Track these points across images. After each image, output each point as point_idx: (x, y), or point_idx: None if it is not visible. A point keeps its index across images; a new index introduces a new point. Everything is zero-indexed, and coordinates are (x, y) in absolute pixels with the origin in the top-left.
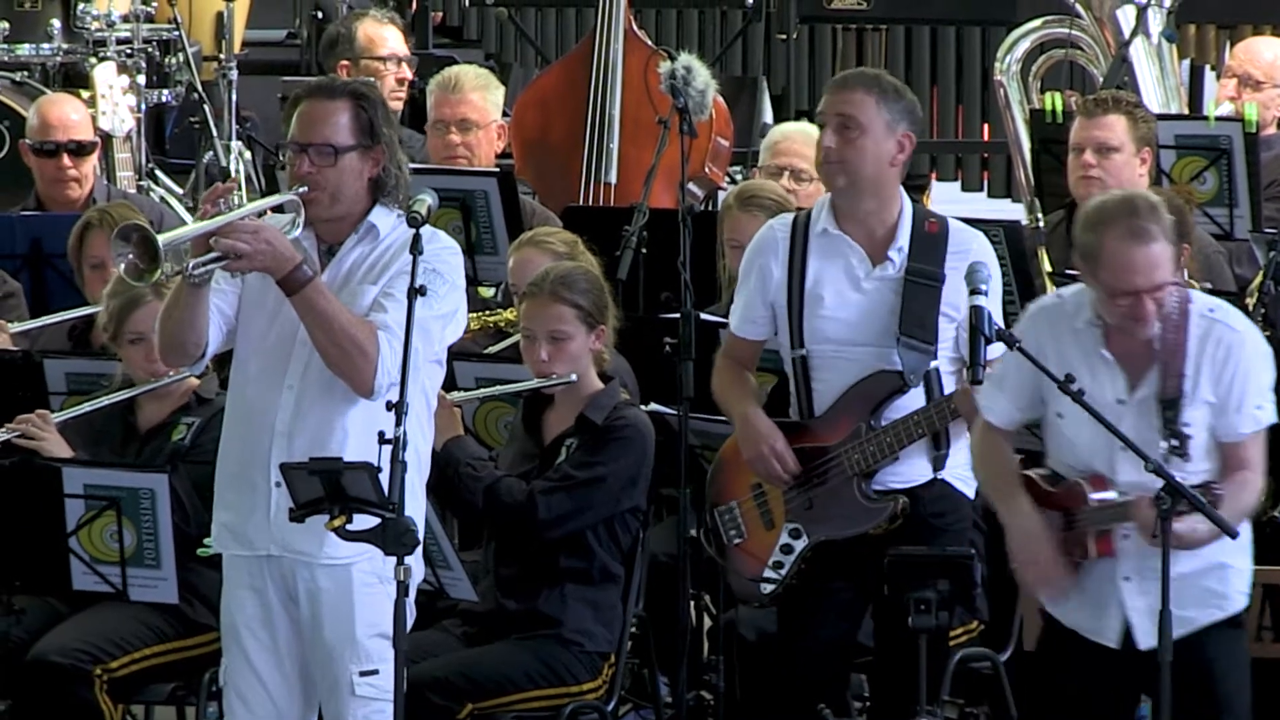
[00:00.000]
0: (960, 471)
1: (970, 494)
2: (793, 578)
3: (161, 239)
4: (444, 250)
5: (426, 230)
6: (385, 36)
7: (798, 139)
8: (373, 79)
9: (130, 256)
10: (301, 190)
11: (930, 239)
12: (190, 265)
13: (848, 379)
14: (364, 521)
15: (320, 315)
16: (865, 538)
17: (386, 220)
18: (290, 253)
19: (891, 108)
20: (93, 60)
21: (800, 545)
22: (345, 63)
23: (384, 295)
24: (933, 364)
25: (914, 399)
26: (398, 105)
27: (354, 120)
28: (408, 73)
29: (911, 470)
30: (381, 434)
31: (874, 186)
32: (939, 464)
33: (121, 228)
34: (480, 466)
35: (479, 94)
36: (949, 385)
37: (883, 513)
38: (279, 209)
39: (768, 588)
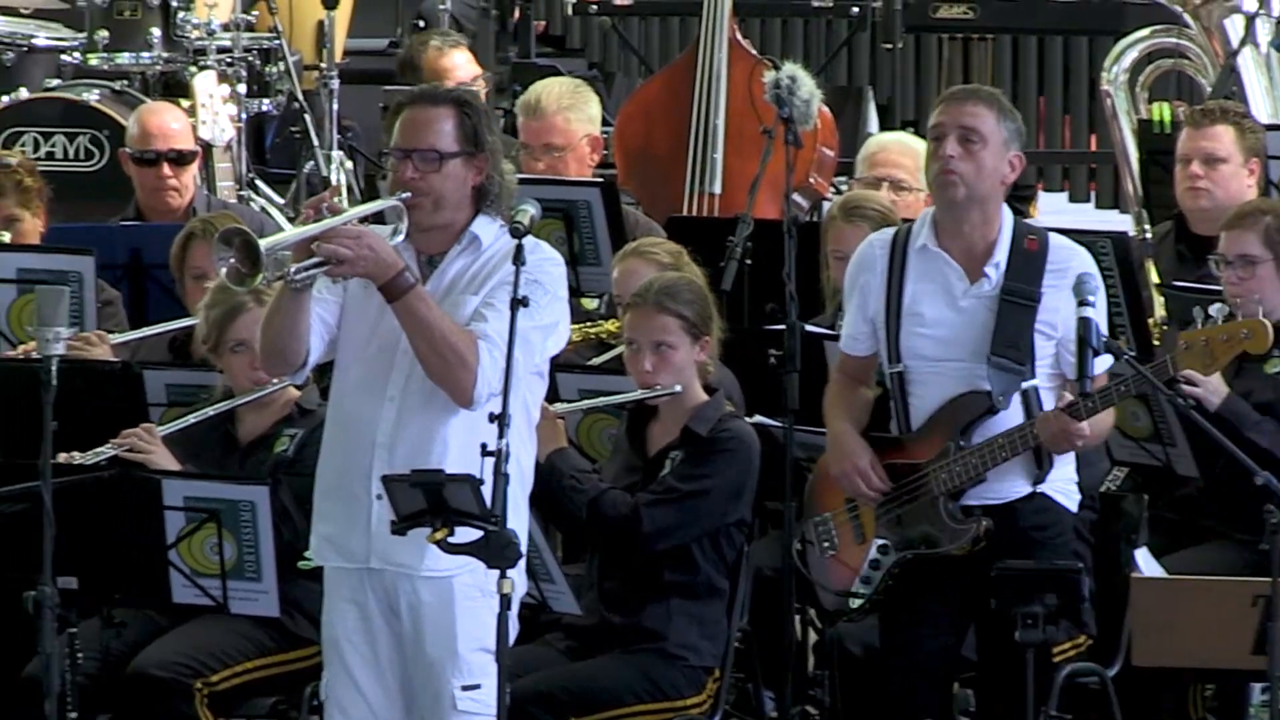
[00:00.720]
0: (1061, 485)
1: (1073, 507)
2: (881, 592)
3: (263, 243)
4: (546, 261)
5: (529, 241)
6: (450, 65)
7: (895, 149)
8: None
9: (232, 261)
10: (405, 196)
11: (1029, 256)
12: (292, 270)
13: (942, 395)
14: (466, 534)
15: (422, 323)
16: (954, 554)
17: (489, 230)
18: (393, 259)
19: (1007, 126)
20: (193, 69)
21: (888, 561)
22: None
23: (485, 305)
24: (1030, 382)
25: (1007, 418)
26: None
27: (458, 127)
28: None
29: (1007, 486)
30: (484, 446)
31: (983, 202)
32: (1039, 479)
33: (223, 231)
34: (584, 479)
35: (562, 116)
36: (1048, 402)
37: (965, 534)
38: (380, 217)
39: (856, 601)
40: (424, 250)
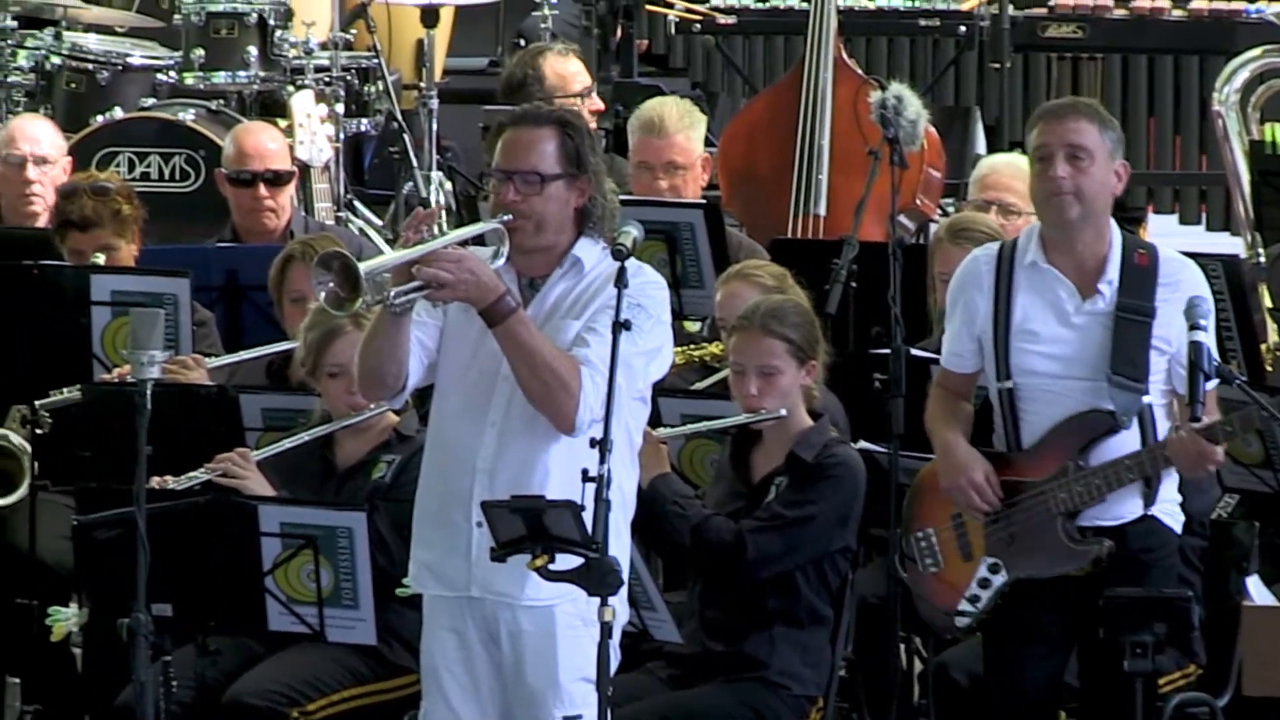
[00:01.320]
0: (1168, 506)
1: (1178, 529)
2: (988, 612)
3: (363, 267)
4: (649, 285)
5: (631, 264)
6: (574, 70)
7: (1005, 172)
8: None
9: (331, 285)
10: (506, 219)
11: (1140, 271)
12: (391, 294)
13: (1057, 413)
14: (567, 561)
15: (523, 348)
16: (1071, 574)
17: (592, 253)
18: (494, 283)
19: (1110, 137)
20: (290, 89)
21: (999, 580)
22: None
23: (587, 330)
24: (1144, 400)
25: (1125, 438)
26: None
27: (560, 148)
28: (598, 102)
29: (1122, 507)
30: (585, 471)
31: (1095, 217)
32: (1149, 500)
33: (322, 255)
34: (688, 505)
35: (684, 135)
36: (1160, 419)
37: (1086, 556)
38: (481, 239)
39: (963, 621)
40: (525, 273)
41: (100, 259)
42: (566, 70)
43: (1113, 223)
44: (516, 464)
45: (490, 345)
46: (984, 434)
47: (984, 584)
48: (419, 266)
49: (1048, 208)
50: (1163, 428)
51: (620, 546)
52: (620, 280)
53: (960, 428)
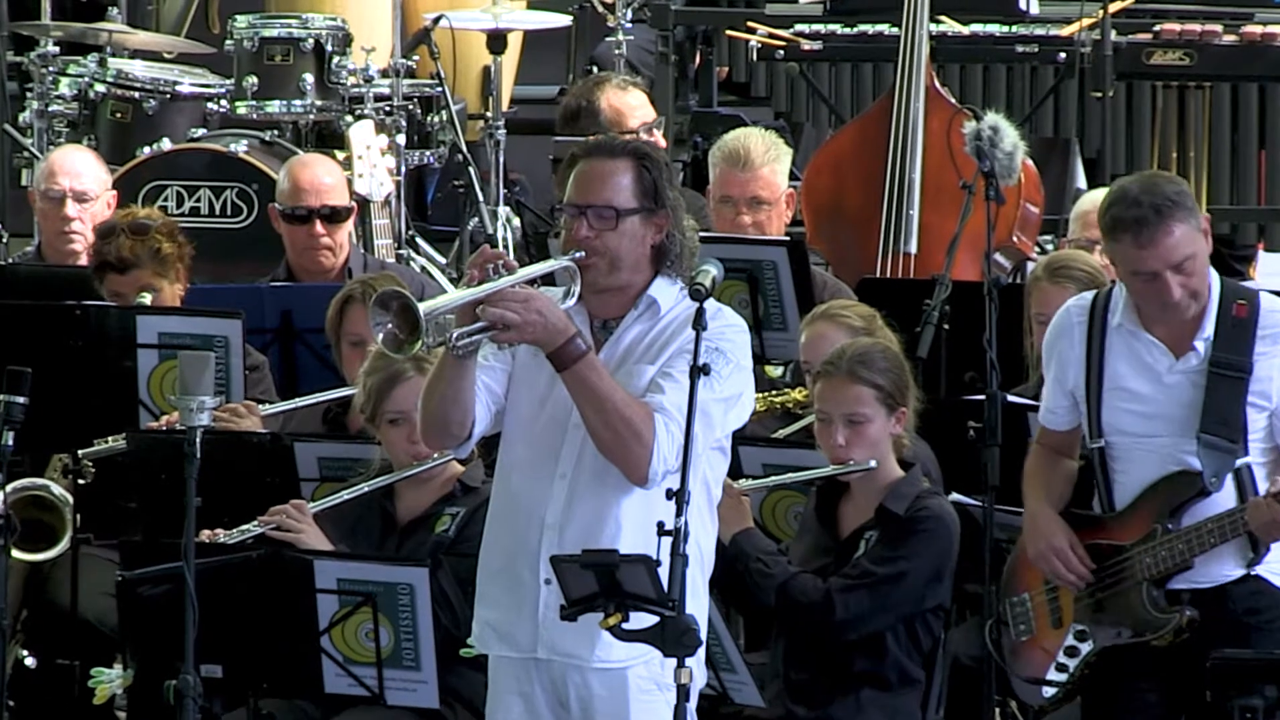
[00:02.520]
0: (1277, 565)
1: None
2: (1075, 681)
3: (423, 307)
4: (729, 328)
5: (710, 304)
6: (632, 104)
7: None
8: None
9: (389, 325)
10: (578, 256)
11: (1238, 323)
12: (454, 336)
13: (1147, 472)
14: (641, 620)
15: (593, 394)
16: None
17: (669, 293)
18: (563, 324)
19: (1192, 220)
20: (348, 118)
21: (1085, 649)
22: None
23: (662, 375)
24: (1243, 459)
25: (1220, 499)
26: None
27: (637, 181)
28: (660, 138)
29: (1220, 569)
30: (660, 525)
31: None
32: (1253, 562)
33: (380, 294)
34: (772, 562)
35: (769, 168)
36: (1260, 479)
37: (1166, 624)
38: (551, 279)
39: (1050, 691)
40: (598, 314)
41: (146, 299)
42: (624, 103)
43: (1211, 272)
44: (587, 518)
45: (561, 391)
46: (1088, 492)
47: (1071, 652)
48: (484, 306)
49: (1160, 313)
50: (1265, 489)
51: (698, 605)
52: (698, 322)
53: (1052, 492)
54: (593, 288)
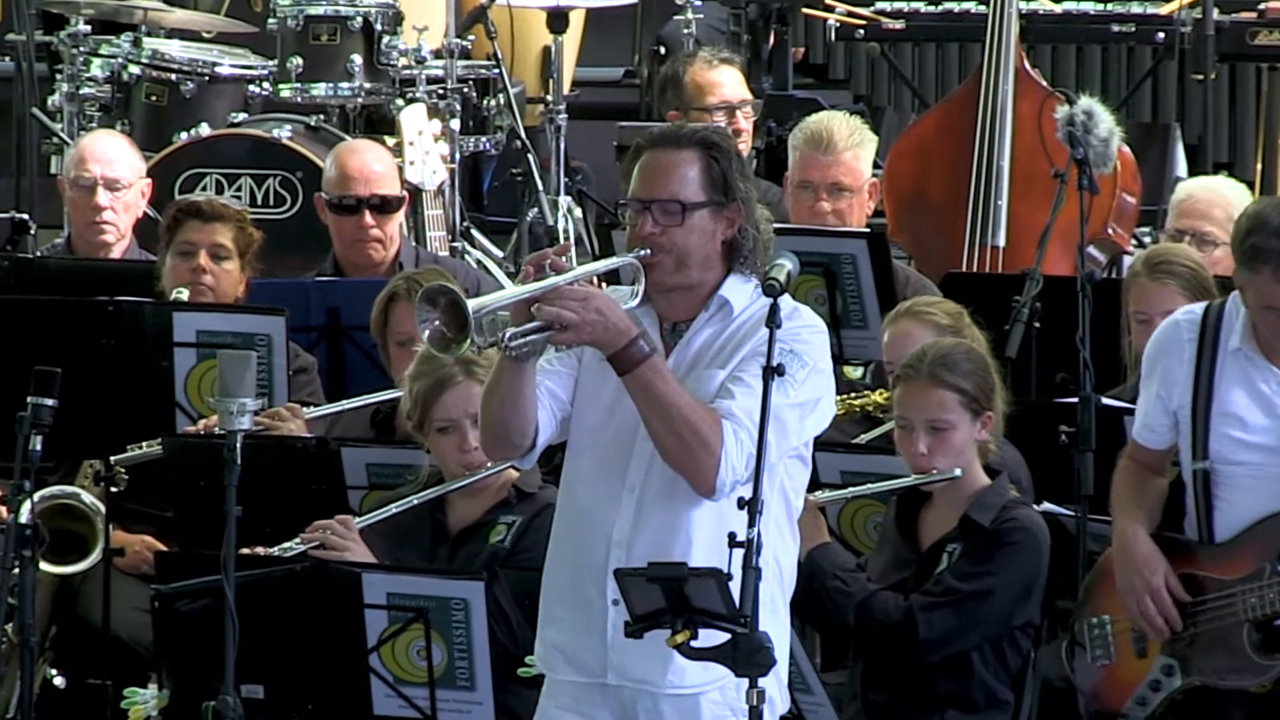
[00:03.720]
0: None
1: None
2: (1157, 719)
3: (473, 304)
4: (805, 329)
5: (785, 302)
6: (716, 81)
7: (1203, 198)
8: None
9: (436, 323)
10: (642, 253)
11: None
12: (507, 336)
13: (1258, 505)
14: (711, 637)
15: (657, 399)
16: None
17: (742, 292)
18: (625, 324)
19: None
20: (399, 102)
21: (1172, 685)
22: (674, 113)
23: (732, 380)
24: None
25: None
26: None
27: (705, 173)
28: (743, 122)
29: None
30: (732, 535)
31: None
32: None
33: (427, 289)
34: (850, 579)
35: (853, 153)
36: None
37: (1269, 671)
38: (614, 276)
39: None
40: (667, 316)
41: (184, 294)
42: (707, 79)
43: None
44: (656, 534)
45: (629, 400)
46: (1176, 512)
47: (1155, 686)
48: (539, 305)
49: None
50: None
51: (779, 626)
52: (772, 319)
53: (1146, 513)
54: (659, 287)
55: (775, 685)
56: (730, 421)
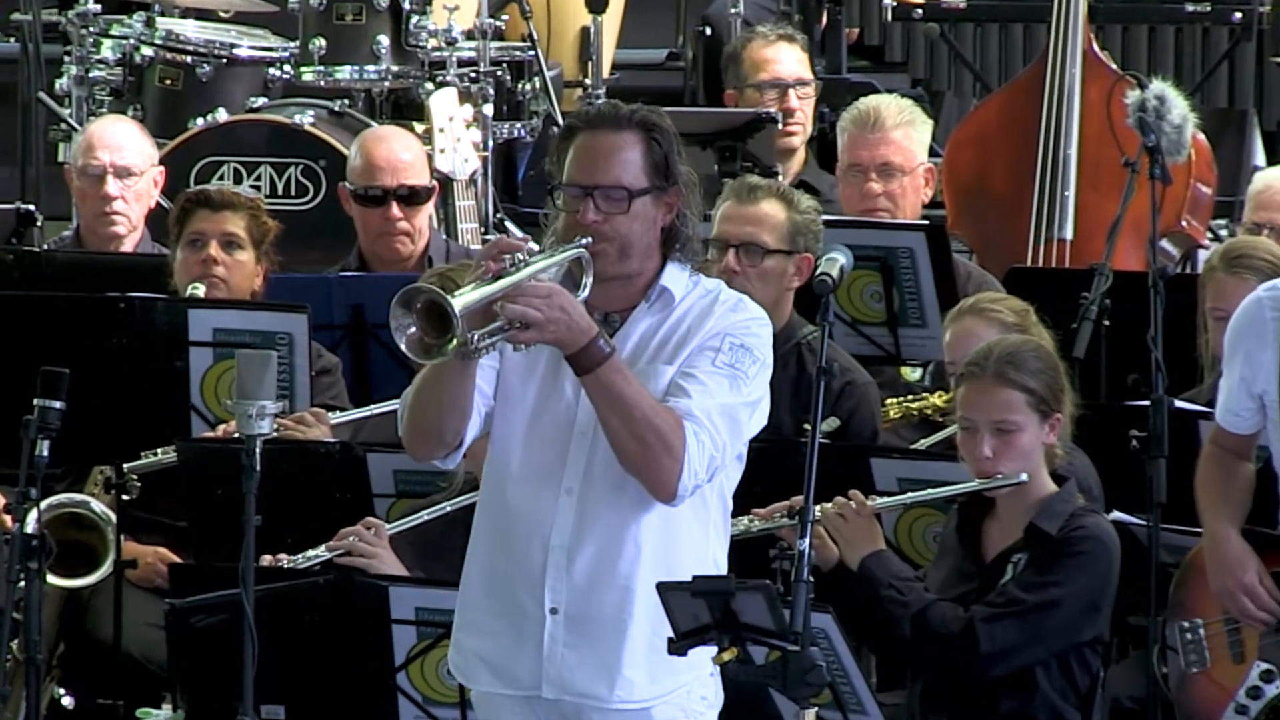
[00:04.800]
0: None
1: None
2: None
3: (457, 304)
4: (754, 321)
5: (727, 293)
6: (769, 57)
7: (1278, 189)
8: (766, 110)
9: (413, 329)
10: (586, 243)
11: None
12: (475, 337)
13: None
14: (758, 654)
15: (619, 400)
16: None
17: (680, 281)
18: (587, 322)
19: None
20: (429, 86)
21: (1272, 691)
22: (731, 92)
23: (683, 376)
24: None
25: None
26: (795, 143)
27: (646, 156)
28: (794, 101)
29: None
30: (782, 548)
31: None
32: None
33: (403, 292)
34: (907, 589)
35: (903, 131)
36: None
37: None
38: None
39: None
40: (600, 307)
41: (200, 290)
42: (761, 55)
43: None
44: (602, 539)
45: (562, 393)
46: (1265, 501)
47: (1254, 693)
48: (503, 303)
49: None
50: None
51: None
52: (823, 316)
53: (1235, 508)
54: (599, 277)
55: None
56: (691, 423)
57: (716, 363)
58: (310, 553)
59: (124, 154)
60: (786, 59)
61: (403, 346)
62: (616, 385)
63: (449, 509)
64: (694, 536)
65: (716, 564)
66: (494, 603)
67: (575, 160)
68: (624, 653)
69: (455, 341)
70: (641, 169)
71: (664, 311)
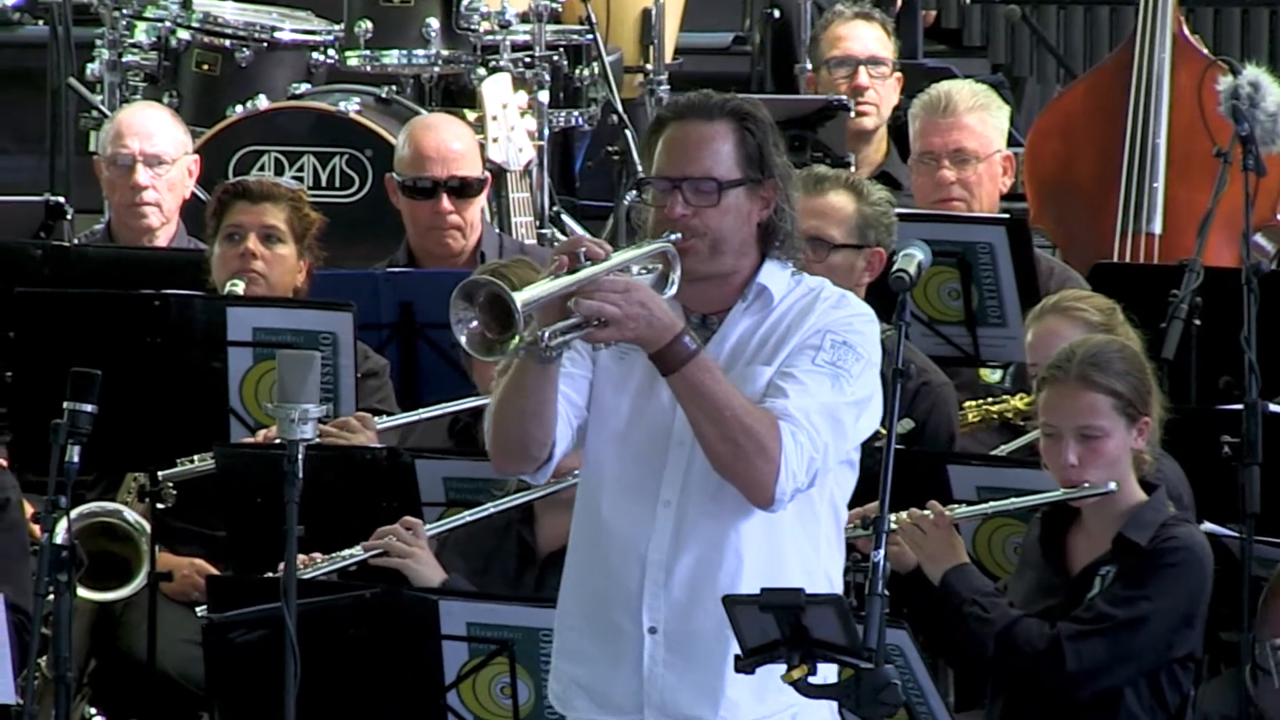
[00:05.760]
0: None
1: None
2: None
3: (519, 298)
4: (857, 317)
5: (830, 289)
6: (841, 34)
7: None
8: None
9: (474, 323)
10: (674, 238)
11: None
12: (546, 334)
13: None
14: (831, 673)
15: (708, 401)
16: None
17: (780, 279)
18: (669, 318)
19: None
20: (481, 71)
21: None
22: (810, 75)
23: (781, 376)
24: None
25: None
26: (866, 124)
27: (739, 147)
28: (864, 79)
29: None
30: (856, 559)
31: None
32: None
33: (464, 284)
34: (990, 605)
35: (977, 116)
36: None
37: None
38: (645, 265)
39: None
40: (695, 308)
41: (239, 287)
42: (835, 33)
43: None
44: (700, 551)
45: (658, 401)
46: None
47: None
48: (577, 299)
49: None
50: None
51: None
52: (899, 315)
53: None
54: (691, 276)
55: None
56: (787, 423)
57: (817, 361)
58: (345, 552)
59: (154, 141)
60: (859, 36)
61: (463, 342)
62: (705, 384)
63: (490, 511)
64: (801, 549)
65: (829, 580)
66: (590, 624)
67: (664, 152)
68: (727, 671)
69: (517, 339)
70: (734, 160)
71: (763, 311)
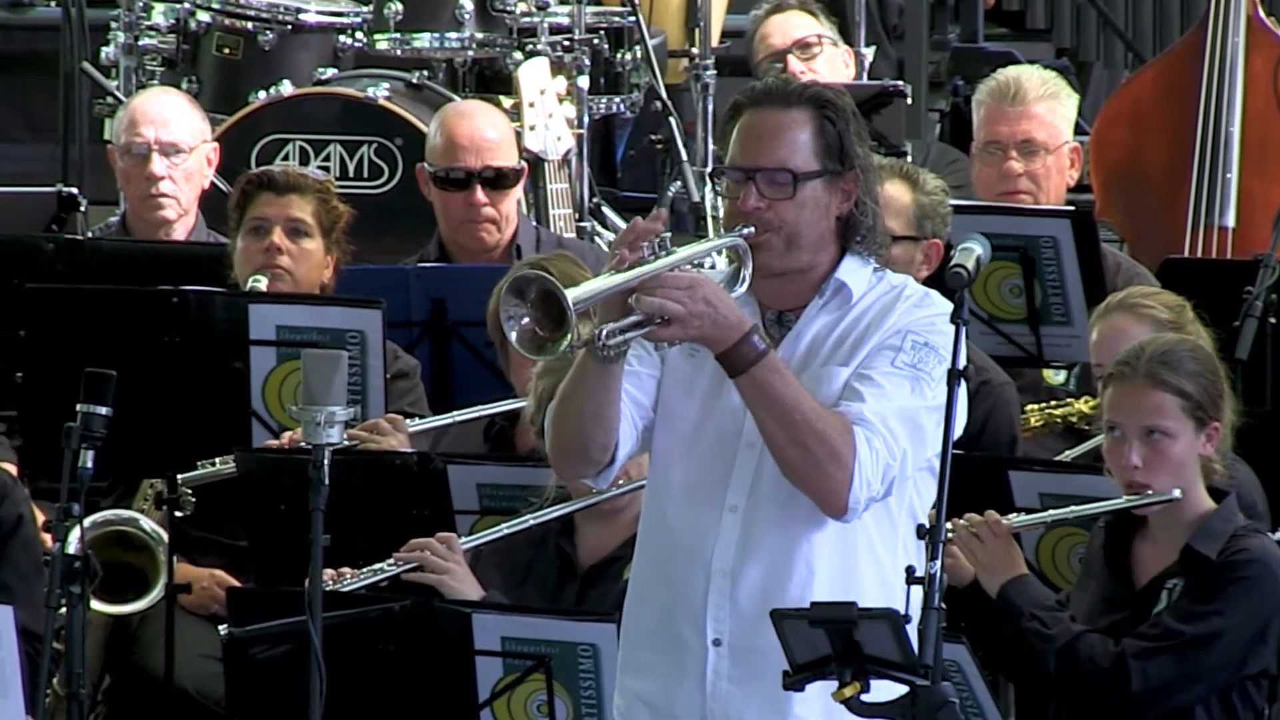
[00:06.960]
0: None
1: None
2: None
3: (571, 295)
4: (940, 318)
5: (914, 289)
6: (766, 33)
7: None
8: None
9: (526, 320)
10: (747, 232)
11: None
12: (604, 333)
13: None
14: (885, 690)
15: (777, 403)
16: None
17: (860, 276)
18: (737, 317)
19: None
20: (517, 56)
21: None
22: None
23: (858, 378)
24: None
25: None
26: None
27: (818, 136)
28: (799, 66)
29: None
30: (910, 570)
31: None
32: None
33: (515, 279)
34: (1051, 620)
35: (1046, 105)
36: None
37: None
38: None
39: None
40: (771, 305)
41: (262, 283)
42: (759, 36)
43: None
44: (769, 561)
45: (727, 402)
46: None
47: None
48: (639, 295)
49: None
50: None
51: None
52: (957, 314)
53: None
54: (765, 271)
55: None
56: (862, 428)
57: (896, 363)
58: (376, 566)
59: (170, 129)
60: (777, 28)
61: (513, 339)
62: (774, 386)
63: (531, 522)
64: (879, 560)
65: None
66: (654, 637)
67: (738, 141)
68: None
69: (570, 337)
70: (811, 151)
71: (841, 309)
